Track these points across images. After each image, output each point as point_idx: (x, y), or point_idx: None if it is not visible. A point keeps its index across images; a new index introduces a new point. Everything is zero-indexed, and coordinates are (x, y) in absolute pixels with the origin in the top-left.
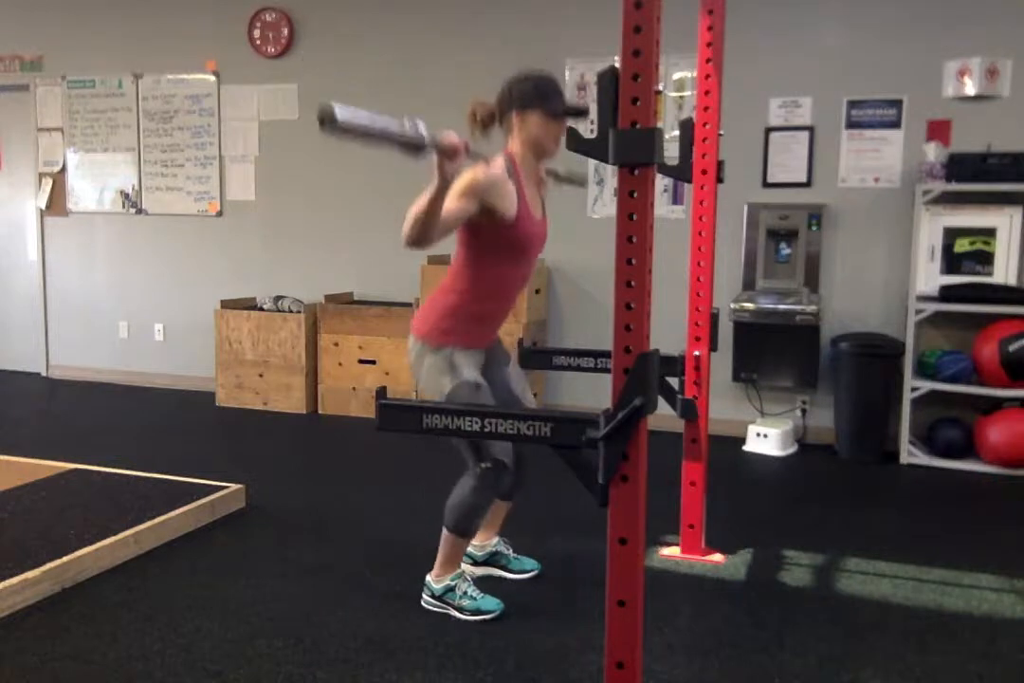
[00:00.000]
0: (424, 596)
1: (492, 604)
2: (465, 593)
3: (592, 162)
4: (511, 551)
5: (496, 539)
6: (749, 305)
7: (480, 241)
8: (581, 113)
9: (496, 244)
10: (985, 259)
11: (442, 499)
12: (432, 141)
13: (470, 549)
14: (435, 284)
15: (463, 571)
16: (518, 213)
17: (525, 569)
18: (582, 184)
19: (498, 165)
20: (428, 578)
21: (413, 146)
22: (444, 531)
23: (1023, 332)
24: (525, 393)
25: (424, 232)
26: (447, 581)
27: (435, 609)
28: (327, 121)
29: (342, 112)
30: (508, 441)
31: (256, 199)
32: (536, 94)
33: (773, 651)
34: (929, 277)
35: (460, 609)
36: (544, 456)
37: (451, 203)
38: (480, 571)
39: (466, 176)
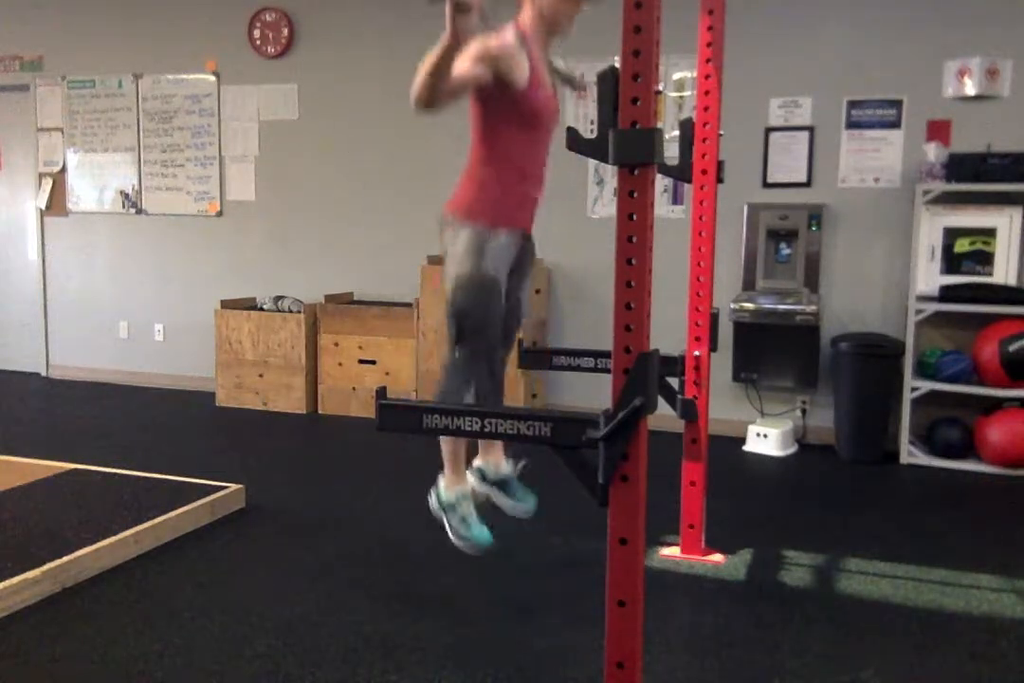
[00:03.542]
0: (431, 497)
1: (482, 537)
2: (463, 517)
3: (592, 162)
4: (519, 479)
5: (509, 466)
6: (749, 305)
7: (492, 113)
8: None
9: (508, 116)
10: (985, 259)
11: None
12: None
13: (483, 465)
14: (435, 283)
15: (471, 489)
16: (530, 82)
17: (521, 502)
18: (574, 86)
19: (509, 34)
20: (440, 481)
21: None
22: None
23: (1023, 332)
24: (523, 299)
25: (432, 91)
26: (455, 496)
27: (435, 514)
28: None
29: None
30: (490, 339)
31: (256, 199)
32: None
33: (773, 651)
34: (929, 277)
35: (452, 529)
36: (544, 456)
37: (463, 65)
38: (485, 489)
39: (479, 42)
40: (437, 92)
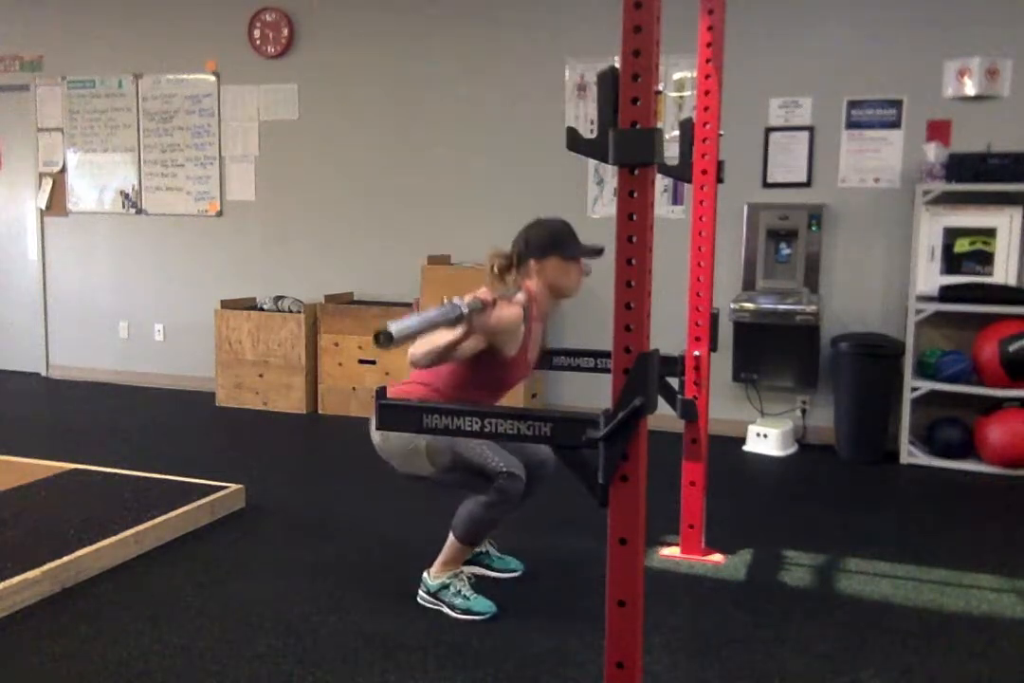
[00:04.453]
0: (420, 591)
1: (484, 605)
2: (459, 592)
3: (592, 162)
4: (496, 550)
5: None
6: (749, 305)
7: (468, 364)
8: (597, 253)
9: (482, 371)
10: (985, 259)
11: (441, 499)
12: (470, 310)
13: None
14: (435, 284)
15: (460, 571)
16: (516, 354)
17: (508, 568)
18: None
19: (517, 305)
20: (425, 574)
21: (456, 322)
22: (451, 537)
23: (1023, 332)
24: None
25: (434, 362)
26: (443, 579)
27: (429, 605)
28: (383, 340)
29: (396, 328)
30: (505, 452)
31: (256, 199)
32: (552, 242)
33: (773, 651)
34: (929, 277)
35: (452, 607)
36: None
37: (468, 342)
38: (467, 569)
39: (486, 317)
40: (438, 363)
